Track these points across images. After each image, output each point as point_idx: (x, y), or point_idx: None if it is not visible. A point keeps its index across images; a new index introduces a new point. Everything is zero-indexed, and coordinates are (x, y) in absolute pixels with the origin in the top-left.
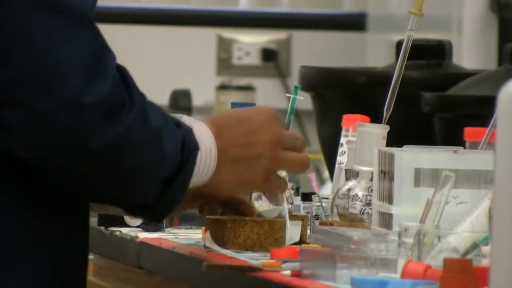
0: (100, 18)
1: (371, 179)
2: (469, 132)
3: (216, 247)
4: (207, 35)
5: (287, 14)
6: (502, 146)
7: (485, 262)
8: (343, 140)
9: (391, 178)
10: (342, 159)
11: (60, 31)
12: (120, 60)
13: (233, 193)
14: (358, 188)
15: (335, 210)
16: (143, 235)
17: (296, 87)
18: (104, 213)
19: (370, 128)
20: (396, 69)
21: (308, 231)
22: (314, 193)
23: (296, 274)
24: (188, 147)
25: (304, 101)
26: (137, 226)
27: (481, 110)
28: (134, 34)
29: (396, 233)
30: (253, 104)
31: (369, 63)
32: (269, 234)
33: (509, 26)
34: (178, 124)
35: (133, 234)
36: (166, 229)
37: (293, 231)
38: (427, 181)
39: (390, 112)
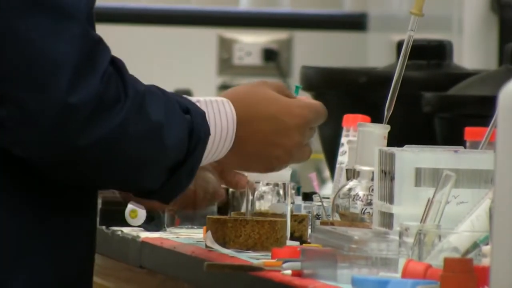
0: (101, 18)
1: (372, 179)
2: (469, 132)
3: (217, 247)
4: (208, 35)
5: (288, 14)
6: (502, 145)
7: (485, 262)
8: (344, 140)
9: (392, 178)
10: (343, 159)
11: (49, 28)
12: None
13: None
14: (359, 187)
15: (336, 210)
16: (145, 235)
17: (297, 87)
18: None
19: (371, 128)
20: (397, 69)
21: (309, 230)
22: (315, 193)
23: (297, 273)
24: (197, 133)
25: None
26: (139, 226)
27: (482, 110)
28: (135, 34)
29: (396, 232)
30: None
31: (370, 63)
32: (270, 234)
33: (510, 26)
34: (187, 110)
35: (134, 233)
36: (168, 229)
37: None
38: (428, 181)
39: (391, 112)
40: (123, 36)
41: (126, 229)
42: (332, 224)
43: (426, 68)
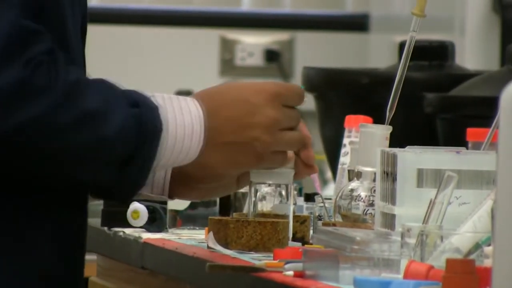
0: (104, 19)
1: (374, 180)
2: (471, 133)
3: (219, 248)
4: (210, 36)
5: (290, 15)
6: (504, 146)
7: (487, 263)
8: (345, 140)
9: (394, 179)
10: (344, 159)
11: None
12: (124, 61)
13: (225, 173)
14: (360, 188)
15: (338, 211)
16: (146, 236)
17: None
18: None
19: (373, 129)
20: (399, 70)
21: (311, 231)
22: (316, 194)
23: (299, 274)
24: (145, 127)
25: (307, 101)
26: (141, 227)
27: (484, 111)
28: (137, 35)
29: (398, 233)
30: None
31: (372, 64)
32: (272, 235)
33: None
34: (136, 104)
35: (136, 234)
36: (170, 230)
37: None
38: (430, 182)
39: (393, 112)
40: (126, 37)
41: (128, 230)
42: (334, 225)
43: (428, 69)
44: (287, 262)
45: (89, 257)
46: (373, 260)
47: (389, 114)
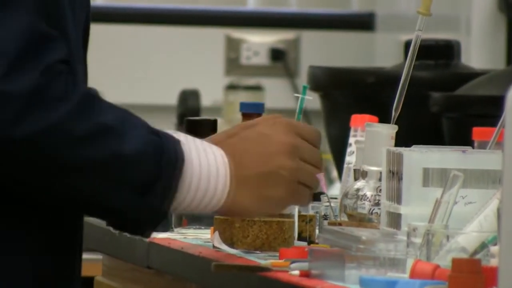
0: (109, 18)
1: (380, 179)
2: (477, 132)
3: (224, 247)
4: (216, 35)
5: (295, 14)
6: (510, 145)
7: (493, 262)
8: (351, 140)
9: (400, 178)
10: (350, 159)
11: None
12: (129, 60)
13: (261, 212)
14: (366, 188)
15: (343, 210)
16: (152, 235)
17: (304, 87)
18: None
19: (379, 128)
20: (405, 69)
21: (317, 231)
22: (322, 193)
23: (305, 274)
24: (168, 156)
25: (313, 101)
26: None
27: (490, 110)
28: (142, 34)
29: (404, 233)
30: (261, 105)
31: (378, 63)
32: (278, 234)
33: None
34: (156, 133)
35: None
36: (175, 229)
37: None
38: (436, 181)
39: (399, 112)
40: (131, 36)
41: None
42: (339, 224)
43: (434, 68)
44: (293, 262)
45: (95, 256)
46: (379, 260)
47: (395, 113)
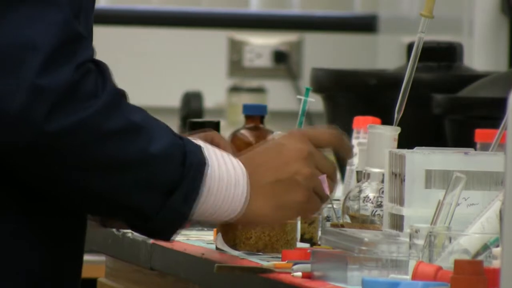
0: (112, 20)
1: (382, 181)
2: (480, 134)
3: (227, 249)
4: (219, 37)
5: (298, 16)
6: None
7: (496, 264)
8: (354, 141)
9: (402, 180)
10: (353, 160)
11: (26, 12)
12: (132, 62)
13: (277, 220)
14: (369, 189)
15: (346, 212)
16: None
17: (307, 89)
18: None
19: (381, 130)
20: (407, 71)
21: (319, 232)
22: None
23: (307, 275)
24: (191, 159)
25: (315, 103)
26: None
27: (492, 112)
28: (145, 36)
29: (407, 234)
30: (264, 107)
31: (380, 65)
32: (280, 236)
33: None
34: (180, 137)
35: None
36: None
37: None
38: (438, 183)
39: (401, 114)
40: (134, 38)
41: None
42: (342, 226)
43: (437, 70)
44: (296, 263)
45: (98, 258)
46: (381, 261)
47: (397, 115)
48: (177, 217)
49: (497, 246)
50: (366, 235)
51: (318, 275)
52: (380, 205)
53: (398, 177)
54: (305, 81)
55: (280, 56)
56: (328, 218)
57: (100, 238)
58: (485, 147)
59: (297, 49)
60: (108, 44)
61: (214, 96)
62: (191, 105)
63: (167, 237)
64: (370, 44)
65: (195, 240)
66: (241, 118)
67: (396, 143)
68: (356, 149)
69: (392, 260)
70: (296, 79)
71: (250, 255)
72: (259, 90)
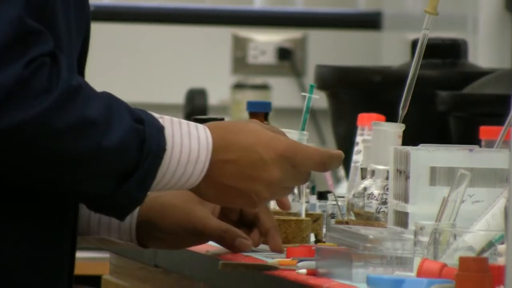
0: (115, 17)
1: (387, 178)
2: (484, 131)
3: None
4: (223, 34)
5: (302, 13)
6: None
7: (501, 261)
8: (358, 139)
9: (407, 177)
10: (357, 158)
11: None
12: (136, 59)
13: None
14: (373, 186)
15: (351, 209)
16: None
17: (311, 86)
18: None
19: (386, 127)
20: (412, 67)
21: (324, 230)
22: (329, 192)
23: (312, 272)
24: (149, 144)
25: (320, 100)
26: None
27: (497, 109)
28: (150, 33)
29: (412, 231)
30: (268, 104)
31: (385, 62)
32: (296, 233)
33: None
34: (141, 121)
35: None
36: None
37: None
38: (443, 180)
39: (406, 111)
40: (138, 35)
41: None
42: (347, 223)
43: (441, 67)
44: (300, 260)
45: (102, 255)
46: (386, 258)
47: (402, 112)
48: (130, 201)
49: (502, 243)
50: (371, 232)
51: (323, 272)
52: (384, 202)
53: (402, 174)
54: (309, 78)
55: (284, 53)
56: (332, 215)
57: None
58: (490, 144)
59: (302, 46)
60: (112, 41)
61: (218, 93)
62: (195, 102)
63: (121, 218)
64: (374, 41)
65: None
66: (245, 115)
67: (400, 140)
68: (360, 146)
69: (397, 257)
70: (300, 76)
71: (255, 253)
72: (263, 87)
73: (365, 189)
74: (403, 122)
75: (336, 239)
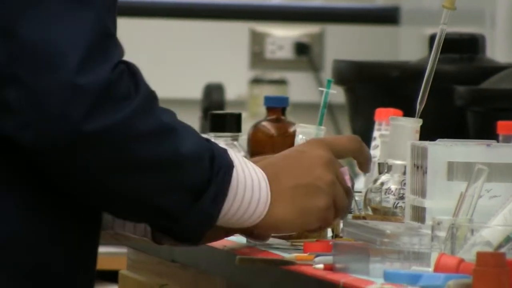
0: (132, 12)
1: (404, 173)
2: (502, 126)
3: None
4: (240, 29)
5: (320, 7)
6: None
7: None
8: (376, 134)
9: (424, 172)
10: (375, 152)
11: (61, 12)
12: (154, 54)
13: (298, 227)
14: (391, 181)
15: (368, 204)
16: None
17: (329, 81)
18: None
19: (403, 122)
20: (429, 62)
21: (341, 225)
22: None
23: (329, 267)
24: (219, 161)
25: (337, 95)
26: None
27: None
28: (167, 28)
29: (429, 226)
30: (286, 99)
31: (402, 56)
32: None
33: None
34: (206, 139)
35: None
36: None
37: None
38: (460, 175)
39: (423, 105)
40: (155, 30)
41: None
42: (364, 218)
43: (459, 62)
44: (317, 255)
45: (120, 250)
46: (403, 253)
47: (419, 107)
48: (204, 219)
49: None
50: (388, 227)
51: (340, 267)
52: (402, 197)
53: (420, 169)
54: (327, 73)
55: (301, 48)
56: (350, 211)
57: None
58: (508, 139)
59: (319, 41)
60: (129, 36)
61: (236, 88)
62: (213, 97)
63: (194, 240)
64: (392, 36)
65: None
66: (262, 110)
67: (418, 135)
68: (378, 141)
69: (414, 252)
70: (318, 71)
71: (272, 248)
72: (281, 82)
73: (382, 184)
74: (420, 117)
75: (353, 234)
